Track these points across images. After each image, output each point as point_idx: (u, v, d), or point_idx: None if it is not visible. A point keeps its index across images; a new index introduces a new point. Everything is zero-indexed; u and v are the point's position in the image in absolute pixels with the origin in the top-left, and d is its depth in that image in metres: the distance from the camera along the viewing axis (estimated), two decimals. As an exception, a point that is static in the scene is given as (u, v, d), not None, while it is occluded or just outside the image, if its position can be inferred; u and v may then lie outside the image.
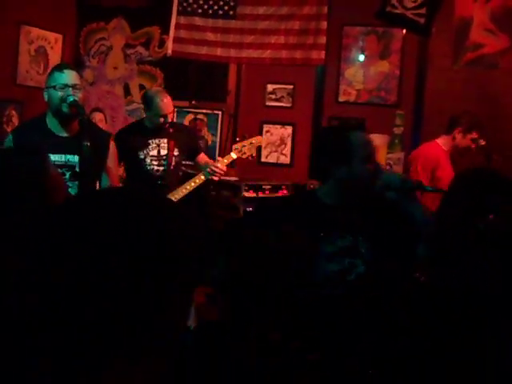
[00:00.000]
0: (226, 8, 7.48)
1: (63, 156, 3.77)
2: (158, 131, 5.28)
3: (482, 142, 5.30)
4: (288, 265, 1.85)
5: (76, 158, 3.76)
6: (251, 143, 5.54)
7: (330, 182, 2.84)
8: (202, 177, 5.33)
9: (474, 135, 5.39)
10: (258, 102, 7.78)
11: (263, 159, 7.74)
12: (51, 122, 3.85)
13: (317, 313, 2.60)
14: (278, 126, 7.76)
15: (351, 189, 2.79)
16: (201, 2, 7.50)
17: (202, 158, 5.68)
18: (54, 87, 3.76)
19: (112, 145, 4.12)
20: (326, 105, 7.51)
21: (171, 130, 5.28)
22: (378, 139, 7.26)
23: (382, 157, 7.27)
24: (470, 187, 2.24)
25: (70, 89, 3.74)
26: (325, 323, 2.60)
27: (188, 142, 5.62)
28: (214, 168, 5.27)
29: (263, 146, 7.64)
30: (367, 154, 2.77)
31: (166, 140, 5.29)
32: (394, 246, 2.68)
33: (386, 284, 2.63)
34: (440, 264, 2.29)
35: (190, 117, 8.01)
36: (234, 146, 5.58)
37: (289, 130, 7.72)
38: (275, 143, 7.78)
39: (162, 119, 5.21)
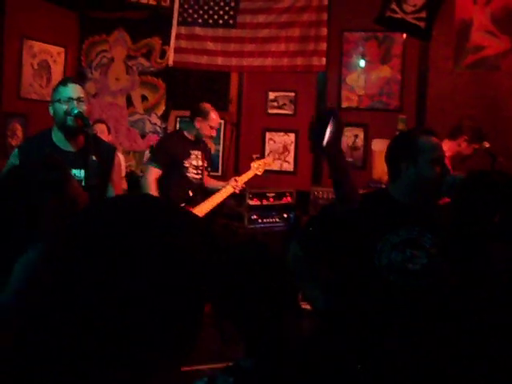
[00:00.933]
0: (226, 17, 7.50)
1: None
2: (196, 143, 5.80)
3: (487, 145, 5.29)
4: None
5: (82, 173, 3.76)
6: (265, 163, 6.33)
7: (400, 181, 2.98)
8: (230, 189, 5.90)
9: (477, 146, 5.42)
10: (260, 110, 7.80)
11: (266, 167, 7.74)
12: (57, 137, 3.86)
13: (380, 296, 2.80)
14: (281, 134, 7.77)
15: (418, 188, 2.93)
16: (201, 12, 7.53)
17: (210, 180, 6.19)
18: (59, 100, 3.78)
19: (117, 158, 4.13)
20: (329, 111, 7.52)
21: (202, 144, 5.87)
22: (381, 144, 7.28)
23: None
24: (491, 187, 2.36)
25: (75, 102, 3.76)
26: (386, 307, 2.78)
27: (209, 155, 6.13)
28: (238, 185, 5.93)
29: (266, 153, 7.68)
30: (434, 156, 2.91)
31: (200, 152, 5.82)
32: (458, 245, 2.81)
33: (446, 278, 2.80)
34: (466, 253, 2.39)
35: (193, 126, 8.04)
36: (253, 164, 6.23)
37: (291, 137, 7.73)
38: (278, 151, 7.78)
39: (212, 132, 5.81)
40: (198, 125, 5.75)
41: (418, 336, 2.72)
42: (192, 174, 5.73)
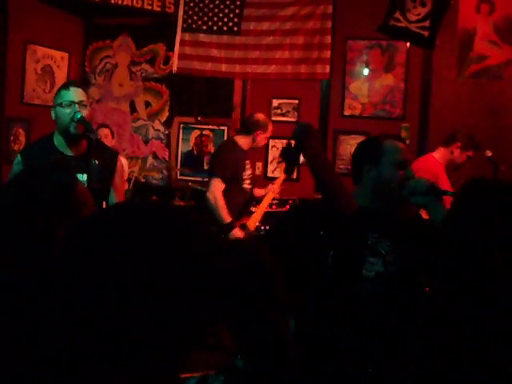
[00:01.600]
0: (231, 24, 7.52)
1: None
2: (246, 153, 5.84)
3: (489, 153, 5.29)
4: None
5: (84, 177, 3.75)
6: None
7: (362, 184, 2.95)
8: (271, 195, 6.00)
9: (470, 153, 5.42)
10: (264, 117, 7.79)
11: (269, 174, 7.75)
12: (58, 142, 3.86)
13: (339, 301, 2.77)
14: (284, 141, 7.75)
15: (379, 191, 2.88)
16: (205, 19, 7.55)
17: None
18: (61, 104, 3.78)
19: (119, 162, 4.13)
20: (332, 119, 7.54)
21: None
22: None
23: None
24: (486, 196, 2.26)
25: (77, 105, 3.75)
26: (344, 314, 2.75)
27: None
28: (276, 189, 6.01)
29: (269, 160, 7.69)
30: (397, 160, 2.87)
31: (248, 161, 5.87)
32: (417, 254, 2.77)
33: (401, 287, 2.76)
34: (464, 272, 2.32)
35: (196, 133, 8.05)
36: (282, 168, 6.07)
37: (295, 144, 7.72)
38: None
39: (266, 141, 5.96)
40: (258, 138, 5.80)
41: (377, 341, 2.72)
42: (246, 184, 5.80)
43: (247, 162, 5.82)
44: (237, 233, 5.41)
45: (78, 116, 3.73)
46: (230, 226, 5.42)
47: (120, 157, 4.30)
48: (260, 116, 5.92)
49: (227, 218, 5.43)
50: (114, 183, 4.03)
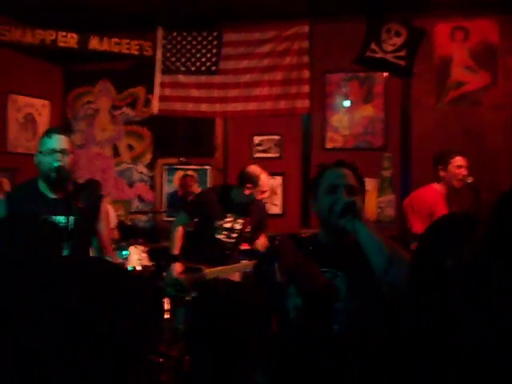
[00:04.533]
0: (209, 64, 7.59)
1: (54, 218, 3.76)
2: (240, 207, 5.30)
3: (470, 179, 5.21)
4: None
5: (66, 220, 3.74)
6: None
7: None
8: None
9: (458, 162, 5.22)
10: (246, 155, 7.80)
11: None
12: (42, 185, 3.86)
13: (295, 350, 2.50)
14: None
15: (322, 222, 2.65)
16: (183, 60, 7.62)
17: (261, 238, 5.58)
18: (42, 152, 3.77)
19: (104, 206, 4.11)
20: (314, 152, 7.55)
21: (250, 208, 5.32)
22: (368, 183, 7.31)
23: (372, 201, 7.29)
24: (441, 233, 1.95)
25: (58, 154, 3.73)
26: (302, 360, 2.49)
27: (260, 220, 5.55)
28: None
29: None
30: (329, 186, 2.60)
31: (242, 218, 5.34)
32: (372, 284, 2.47)
33: (362, 321, 2.50)
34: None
35: (180, 173, 8.05)
36: None
37: (278, 180, 7.74)
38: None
39: (263, 195, 5.29)
40: (246, 191, 5.21)
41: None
42: (222, 236, 5.32)
43: (234, 216, 5.33)
44: (176, 266, 5.21)
45: (55, 165, 3.72)
46: (173, 258, 5.27)
47: (105, 202, 4.27)
48: (251, 168, 5.32)
49: (174, 250, 5.29)
50: (98, 228, 4.01)
